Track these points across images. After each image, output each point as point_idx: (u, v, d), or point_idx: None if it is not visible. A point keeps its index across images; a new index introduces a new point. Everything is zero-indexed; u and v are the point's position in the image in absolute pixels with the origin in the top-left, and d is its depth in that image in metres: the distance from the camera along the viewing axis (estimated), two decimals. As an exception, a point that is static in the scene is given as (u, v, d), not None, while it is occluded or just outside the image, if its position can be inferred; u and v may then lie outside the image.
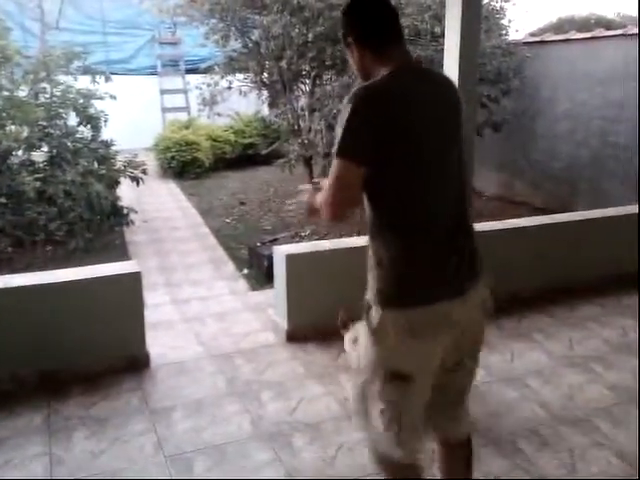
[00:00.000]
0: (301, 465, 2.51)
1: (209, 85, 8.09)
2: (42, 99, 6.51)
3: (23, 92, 6.39)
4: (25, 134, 5.90)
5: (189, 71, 11.94)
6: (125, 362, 3.25)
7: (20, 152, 6.18)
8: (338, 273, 3.51)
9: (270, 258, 4.78)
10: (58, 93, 6.57)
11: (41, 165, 6.12)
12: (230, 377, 3.21)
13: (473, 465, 1.97)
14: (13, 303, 3.06)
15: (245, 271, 5.28)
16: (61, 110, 6.46)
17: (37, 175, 5.72)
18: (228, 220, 7.01)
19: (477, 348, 1.85)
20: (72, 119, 6.58)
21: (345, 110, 1.58)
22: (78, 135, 6.46)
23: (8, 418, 2.84)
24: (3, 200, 5.45)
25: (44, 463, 2.52)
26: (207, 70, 8.58)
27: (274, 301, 3.90)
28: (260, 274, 5.10)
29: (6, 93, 6.06)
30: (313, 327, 3.52)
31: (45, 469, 2.49)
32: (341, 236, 5.17)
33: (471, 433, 1.95)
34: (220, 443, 2.65)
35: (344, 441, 2.62)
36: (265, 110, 9.75)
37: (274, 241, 5.26)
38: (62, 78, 6.75)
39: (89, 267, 3.38)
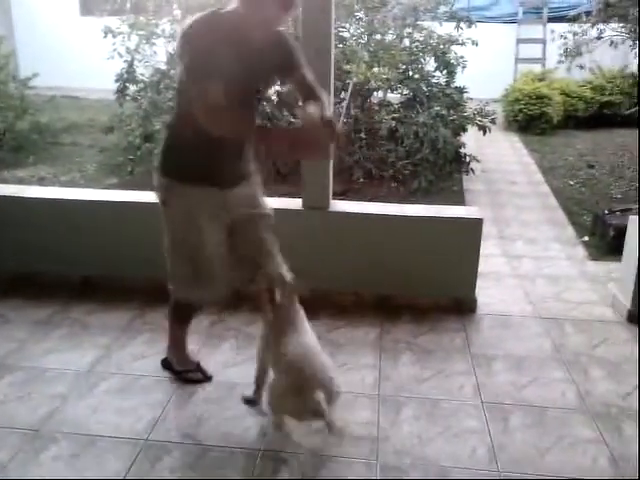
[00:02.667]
0: (628, 452, 2.29)
1: (575, 34, 7.49)
2: (406, 43, 6.84)
3: (391, 36, 6.80)
4: (387, 76, 6.30)
5: (552, 19, 11.22)
6: (452, 302, 3.35)
7: (380, 93, 6.67)
8: None
9: (617, 228, 4.34)
10: (421, 38, 6.83)
11: (396, 106, 6.51)
12: (558, 343, 3.05)
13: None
14: (362, 228, 3.36)
15: (586, 238, 4.89)
16: (421, 55, 6.73)
17: (393, 115, 6.11)
18: (572, 182, 6.54)
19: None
20: (430, 64, 6.80)
21: None
22: (434, 80, 6.66)
23: (346, 328, 3.19)
24: (363, 135, 5.99)
25: (374, 375, 2.78)
26: (575, 18, 7.94)
27: (618, 275, 3.54)
28: (603, 244, 4.67)
29: (378, 37, 6.54)
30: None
31: (374, 380, 2.74)
32: None
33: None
34: (540, 405, 2.56)
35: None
36: (634, 65, 8.67)
37: (625, 211, 4.72)
38: (426, 24, 6.99)
39: (434, 206, 3.50)
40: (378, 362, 2.88)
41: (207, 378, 2.74)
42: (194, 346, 2.92)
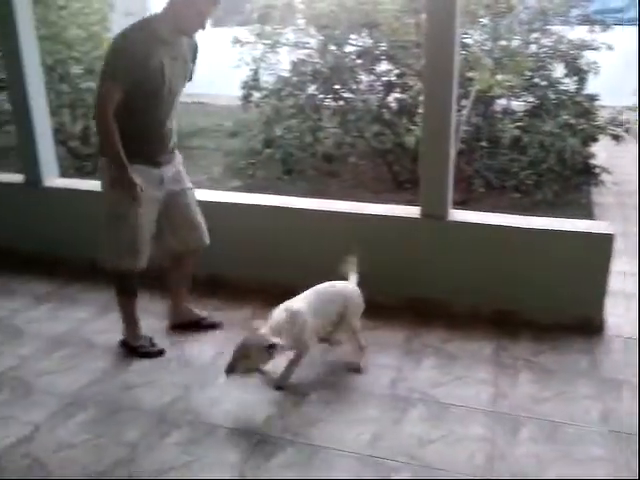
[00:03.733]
0: None
1: None
2: (533, 49, 6.58)
3: (516, 42, 6.57)
4: (512, 83, 6.09)
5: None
6: (577, 321, 3.17)
7: (503, 100, 6.46)
8: None
9: None
10: (549, 43, 6.55)
11: (521, 114, 6.28)
12: (697, 372, 2.80)
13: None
14: (482, 239, 3.27)
15: None
16: (549, 60, 6.44)
17: (517, 124, 5.89)
18: None
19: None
20: (558, 70, 6.49)
21: None
22: (562, 87, 6.35)
23: (461, 340, 3.12)
24: (483, 144, 5.83)
25: (489, 391, 2.69)
26: None
27: None
28: None
29: (503, 42, 6.34)
30: None
31: (490, 396, 2.66)
32: None
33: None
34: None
35: None
36: None
37: None
38: (555, 28, 6.68)
39: (561, 219, 3.34)
40: (494, 378, 2.79)
41: (160, 352, 2.99)
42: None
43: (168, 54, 2.64)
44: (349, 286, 2.91)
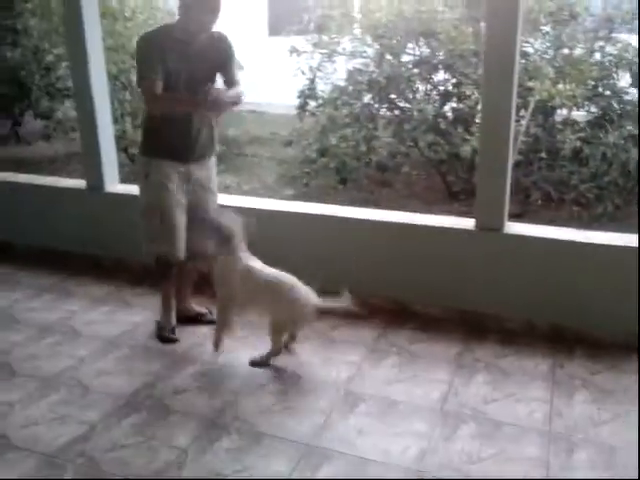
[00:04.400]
0: None
1: None
2: (597, 57, 6.38)
3: (580, 50, 6.39)
4: (574, 93, 5.92)
5: None
6: (636, 340, 3.04)
7: (564, 110, 6.28)
8: None
9: None
10: (615, 52, 6.34)
11: (582, 125, 6.09)
12: None
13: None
14: (540, 253, 3.19)
15: None
16: (614, 69, 6.23)
17: (578, 135, 5.72)
18: None
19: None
20: (624, 79, 6.27)
21: None
22: (628, 97, 6.13)
23: (515, 356, 3.04)
24: (542, 155, 5.68)
25: (544, 410, 2.61)
26: None
27: None
28: None
29: (565, 51, 6.18)
30: None
31: (544, 415, 2.58)
32: None
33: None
34: None
35: None
36: None
37: None
38: (621, 36, 6.46)
39: (625, 235, 3.21)
40: (549, 396, 2.71)
41: (173, 340, 3.20)
42: (356, 357, 2.96)
43: (184, 52, 2.86)
44: (302, 300, 2.87)
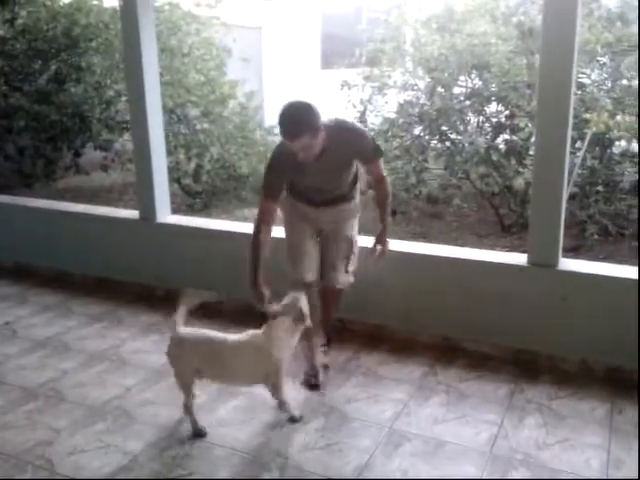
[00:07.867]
0: None
1: None
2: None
3: (635, 80, 6.21)
4: (633, 124, 5.74)
5: None
6: None
7: (623, 142, 6.09)
8: None
9: None
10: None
11: (643, 157, 5.88)
12: None
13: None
14: (596, 291, 3.07)
15: None
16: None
17: (638, 167, 5.52)
18: None
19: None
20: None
21: None
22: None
23: (571, 398, 2.90)
24: (599, 188, 5.50)
25: (601, 458, 2.47)
26: None
27: None
28: None
29: (624, 82, 6.01)
30: None
31: (601, 464, 2.43)
32: None
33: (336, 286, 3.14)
34: None
35: None
36: None
37: None
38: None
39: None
40: (607, 443, 2.56)
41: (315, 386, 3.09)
42: (403, 395, 2.90)
43: (308, 165, 2.83)
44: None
